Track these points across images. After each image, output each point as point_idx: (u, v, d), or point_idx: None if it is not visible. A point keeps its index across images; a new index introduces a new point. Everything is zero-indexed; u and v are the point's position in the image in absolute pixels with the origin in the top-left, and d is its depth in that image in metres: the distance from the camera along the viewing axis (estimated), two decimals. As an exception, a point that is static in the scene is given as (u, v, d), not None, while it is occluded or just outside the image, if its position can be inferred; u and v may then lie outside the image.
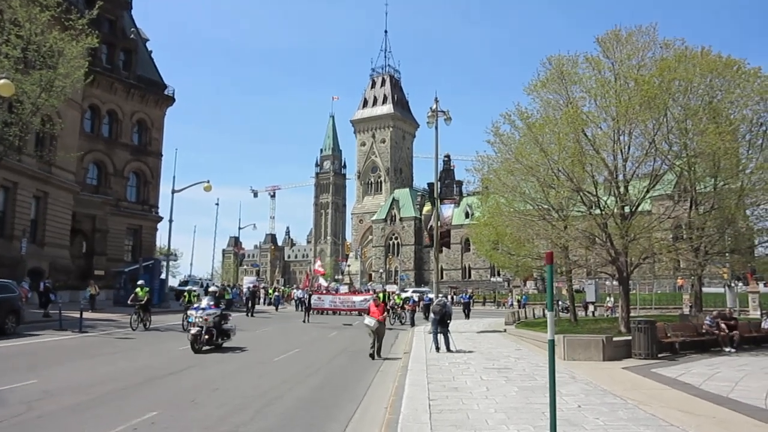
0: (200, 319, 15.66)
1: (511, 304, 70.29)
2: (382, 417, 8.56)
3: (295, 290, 54.37)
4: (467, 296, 43.18)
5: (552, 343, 7.10)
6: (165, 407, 8.90)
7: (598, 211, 21.45)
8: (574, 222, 22.66)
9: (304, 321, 29.74)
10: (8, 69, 23.23)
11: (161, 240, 46.53)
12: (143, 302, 22.26)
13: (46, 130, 36.26)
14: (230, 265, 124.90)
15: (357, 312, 36.19)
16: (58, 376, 11.52)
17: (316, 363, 15.16)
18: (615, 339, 15.85)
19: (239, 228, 65.66)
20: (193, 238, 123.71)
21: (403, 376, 11.86)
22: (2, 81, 19.38)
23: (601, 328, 23.23)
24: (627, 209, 21.38)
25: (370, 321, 15.62)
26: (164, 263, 42.23)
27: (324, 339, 22.27)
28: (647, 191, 21.71)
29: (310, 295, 34.03)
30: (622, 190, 21.19)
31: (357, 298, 39.57)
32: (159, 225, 56.65)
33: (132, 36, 55.91)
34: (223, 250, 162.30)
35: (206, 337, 15.60)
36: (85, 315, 22.20)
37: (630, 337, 16.10)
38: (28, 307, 24.24)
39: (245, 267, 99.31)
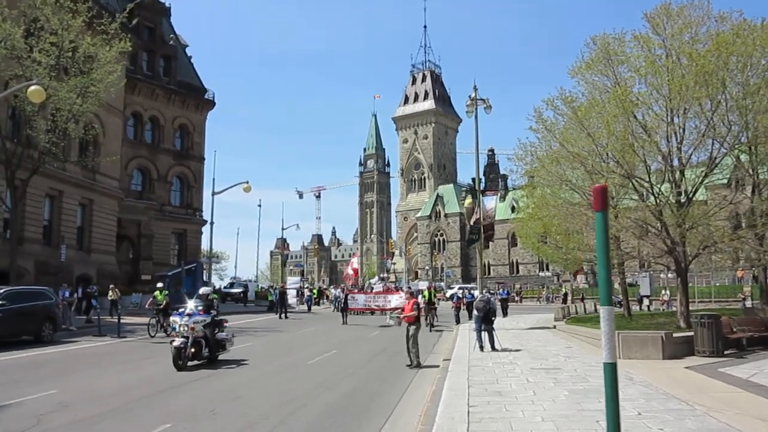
0: (185, 328, 12.84)
1: (546, 298, 68.41)
2: (414, 429, 7.70)
3: (332, 289, 52.71)
4: (505, 291, 41.16)
5: (611, 368, 4.48)
6: (181, 418, 8.26)
7: (651, 199, 20.07)
8: (624, 211, 21.27)
9: (343, 323, 28.10)
10: (43, 76, 23.32)
11: (206, 243, 46.63)
12: (162, 306, 20.79)
13: (87, 137, 36.78)
14: (277, 266, 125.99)
15: (392, 311, 35.28)
16: (80, 385, 11.08)
17: (352, 365, 14.41)
18: (675, 335, 14.54)
19: (282, 229, 65.59)
20: (236, 240, 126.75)
21: (442, 379, 10.97)
22: (33, 87, 19.29)
23: (658, 323, 21.79)
24: (683, 196, 19.94)
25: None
26: (206, 266, 42.14)
27: (363, 339, 21.51)
28: (705, 175, 20.22)
29: (346, 296, 32.05)
30: (677, 175, 19.74)
31: (393, 297, 37.28)
32: (203, 228, 56.99)
33: (171, 42, 56.54)
34: (271, 252, 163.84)
35: (192, 350, 12.74)
36: (126, 320, 22.09)
37: (691, 333, 14.75)
38: (74, 313, 24.41)
39: (290, 267, 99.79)
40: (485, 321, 15.72)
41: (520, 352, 15.20)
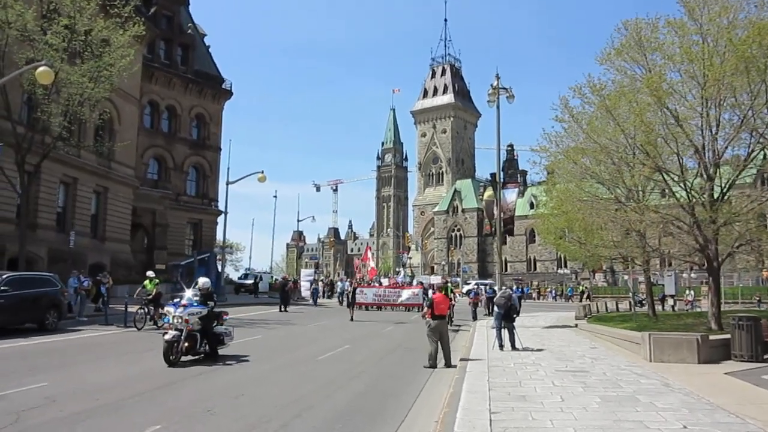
0: (179, 320, 11.93)
1: (554, 296, 67.19)
2: (430, 437, 6.92)
3: (339, 281, 49.37)
4: (519, 289, 39.52)
5: None
6: (173, 418, 7.53)
7: (683, 194, 19.06)
8: (652, 206, 20.26)
9: (351, 319, 25.70)
10: (55, 59, 22.80)
11: (222, 234, 45.96)
12: (151, 296, 19.33)
13: (102, 125, 36.41)
14: (293, 258, 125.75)
15: (405, 308, 33.64)
16: (73, 377, 10.40)
17: (364, 362, 13.62)
18: (711, 338, 13.57)
19: (298, 220, 64.96)
20: (251, 231, 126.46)
21: (460, 380, 10.15)
22: (42, 68, 18.74)
23: (686, 324, 20.78)
24: (717, 191, 18.90)
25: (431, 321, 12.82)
26: (220, 256, 41.62)
27: (376, 335, 20.73)
28: (741, 170, 19.17)
29: (354, 289, 29.68)
30: (711, 169, 18.69)
31: (405, 292, 35.26)
32: (219, 219, 56.53)
33: (189, 31, 56.02)
34: (287, 244, 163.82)
35: (186, 344, 11.81)
36: (134, 309, 21.46)
37: (728, 336, 13.79)
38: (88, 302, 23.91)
39: (306, 260, 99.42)
40: (506, 318, 14.87)
41: (542, 352, 14.33)
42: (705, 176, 18.78)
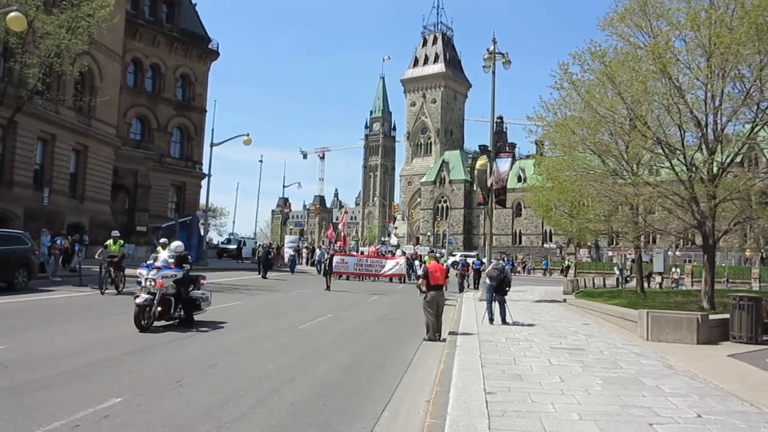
0: (151, 283, 11.20)
1: (527, 270, 65.77)
2: (422, 420, 6.26)
3: (317, 249, 47.00)
4: (509, 261, 38.83)
5: None
6: (137, 390, 6.83)
7: (682, 168, 18.45)
8: (651, 180, 19.66)
9: (327, 288, 24.09)
10: (29, 6, 21.54)
11: (206, 198, 44.75)
12: (115, 259, 17.72)
13: (78, 78, 35.03)
14: (278, 225, 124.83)
15: (388, 279, 32.93)
16: (35, 341, 9.63)
17: (348, 333, 12.99)
18: (711, 318, 13.06)
19: (284, 186, 64.03)
20: (236, 196, 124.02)
21: (450, 355, 9.53)
22: (13, 14, 17.57)
23: (677, 302, 20.41)
24: (716, 166, 18.30)
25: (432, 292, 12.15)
26: (203, 219, 40.70)
27: (360, 304, 20.14)
28: (743, 146, 18.56)
29: (331, 257, 27.75)
30: (711, 143, 18.07)
31: (389, 262, 34.25)
32: (203, 182, 55.43)
33: (174, -14, 54.04)
34: (272, 211, 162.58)
35: (159, 309, 11.13)
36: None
37: (726, 316, 13.29)
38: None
39: (291, 227, 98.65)
40: (498, 291, 14.27)
41: (534, 328, 13.78)
42: (706, 150, 18.17)
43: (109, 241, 18.37)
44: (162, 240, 17.34)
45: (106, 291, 17.25)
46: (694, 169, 18.30)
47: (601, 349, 10.75)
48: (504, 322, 14.08)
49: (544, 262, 69.28)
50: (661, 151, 18.84)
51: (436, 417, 5.96)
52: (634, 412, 6.37)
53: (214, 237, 72.22)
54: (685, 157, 18.37)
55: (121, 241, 18.70)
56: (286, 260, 39.14)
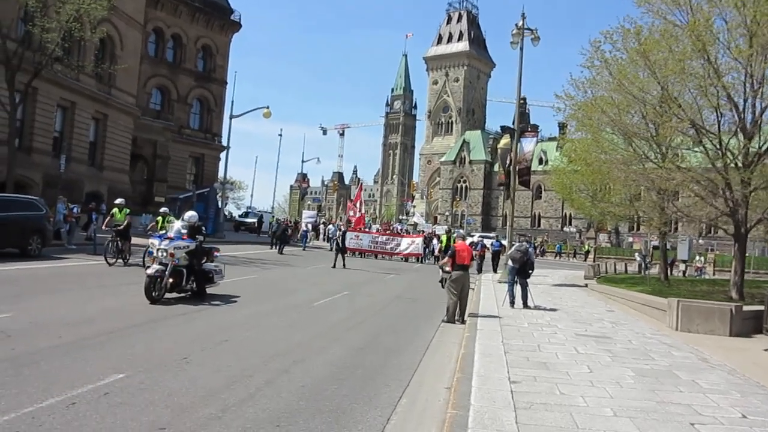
0: (163, 254, 10.87)
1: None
2: (442, 410, 5.82)
3: (331, 225, 45.97)
4: (531, 244, 37.80)
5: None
6: (140, 367, 6.46)
7: (717, 153, 17.66)
8: (684, 165, 18.88)
9: (333, 266, 22.85)
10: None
11: (224, 170, 44.35)
12: (121, 227, 16.82)
13: (98, 45, 34.68)
14: (296, 200, 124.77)
15: (403, 258, 32.37)
16: (41, 309, 9.32)
17: (364, 311, 12.60)
18: (744, 309, 12.45)
19: (302, 161, 63.66)
20: (254, 170, 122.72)
21: (471, 339, 9.07)
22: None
23: (702, 291, 19.74)
24: (752, 152, 17.49)
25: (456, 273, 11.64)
26: (220, 192, 40.47)
27: (378, 281, 19.75)
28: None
29: (344, 232, 26.72)
30: (749, 128, 17.26)
31: (405, 240, 33.46)
32: (222, 154, 55.23)
33: (197, -44, 53.33)
34: (291, 186, 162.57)
35: (171, 281, 10.77)
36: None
37: (760, 308, 12.67)
38: (79, 229, 22.96)
39: (308, 203, 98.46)
40: (520, 274, 13.75)
41: (557, 312, 13.27)
42: (742, 135, 17.36)
43: (115, 210, 17.57)
44: (162, 209, 16.89)
45: (114, 262, 16.48)
46: (729, 154, 17.53)
47: (629, 338, 10.22)
48: (525, 305, 13.59)
49: (558, 245, 68.19)
50: (695, 134, 18.07)
51: (458, 407, 5.50)
52: (672, 409, 5.88)
53: (233, 210, 72.11)
54: (720, 142, 17.58)
55: (127, 209, 17.72)
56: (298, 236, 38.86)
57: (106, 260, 16.33)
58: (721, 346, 10.12)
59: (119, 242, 16.75)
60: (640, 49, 17.95)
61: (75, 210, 22.96)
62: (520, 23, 22.48)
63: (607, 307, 15.64)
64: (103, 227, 18.10)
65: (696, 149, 18.74)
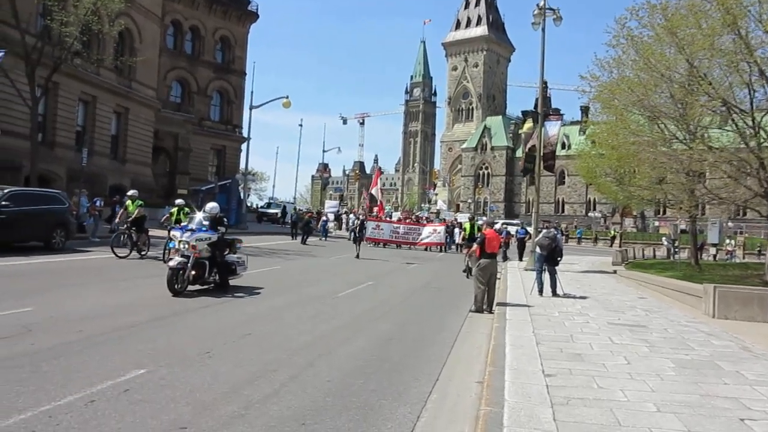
0: (185, 246, 10.71)
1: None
2: (474, 406, 5.56)
3: (352, 215, 45.47)
4: (559, 231, 37.12)
5: None
6: (162, 362, 6.28)
7: (750, 131, 17.04)
8: (717, 146, 18.28)
9: (357, 256, 22.44)
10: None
11: (245, 161, 44.29)
12: (132, 219, 16.40)
13: (117, 39, 34.73)
14: (318, 190, 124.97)
15: (425, 247, 31.75)
16: (63, 303, 9.22)
17: (388, 302, 12.35)
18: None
19: (323, 151, 63.67)
20: (275, 160, 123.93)
21: (500, 330, 8.78)
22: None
23: (735, 276, 19.17)
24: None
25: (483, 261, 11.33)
26: (242, 183, 40.47)
27: (401, 271, 19.50)
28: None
29: (362, 221, 26.03)
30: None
31: (426, 229, 32.76)
32: (243, 146, 55.25)
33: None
34: (312, 176, 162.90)
35: (193, 273, 10.63)
36: (153, 233, 20.27)
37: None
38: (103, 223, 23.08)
39: (330, 192, 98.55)
40: (549, 261, 13.38)
41: (587, 300, 12.91)
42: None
43: (127, 202, 17.17)
44: (178, 201, 16.64)
45: (129, 256, 16.09)
46: (762, 132, 16.90)
47: (664, 327, 9.84)
48: (554, 293, 13.24)
49: (579, 230, 67.13)
50: (726, 112, 17.46)
51: (492, 404, 5.22)
52: (718, 403, 5.54)
53: (255, 201, 72.37)
54: (753, 119, 16.96)
55: (140, 201, 17.16)
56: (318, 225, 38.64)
57: (113, 252, 15.84)
58: (762, 333, 9.69)
59: (133, 234, 16.40)
60: (667, 26, 17.38)
61: (98, 203, 23.05)
62: (542, 3, 21.92)
63: (638, 293, 15.21)
64: (116, 220, 17.84)
65: (727, 128, 18.09)
